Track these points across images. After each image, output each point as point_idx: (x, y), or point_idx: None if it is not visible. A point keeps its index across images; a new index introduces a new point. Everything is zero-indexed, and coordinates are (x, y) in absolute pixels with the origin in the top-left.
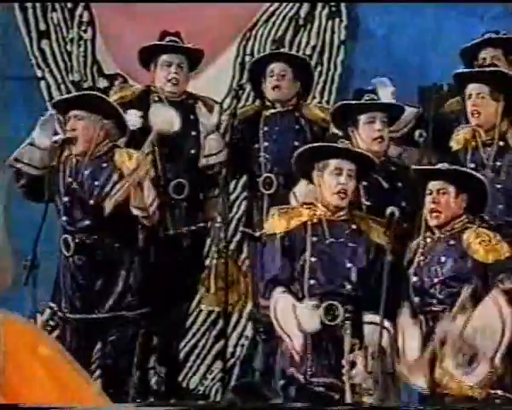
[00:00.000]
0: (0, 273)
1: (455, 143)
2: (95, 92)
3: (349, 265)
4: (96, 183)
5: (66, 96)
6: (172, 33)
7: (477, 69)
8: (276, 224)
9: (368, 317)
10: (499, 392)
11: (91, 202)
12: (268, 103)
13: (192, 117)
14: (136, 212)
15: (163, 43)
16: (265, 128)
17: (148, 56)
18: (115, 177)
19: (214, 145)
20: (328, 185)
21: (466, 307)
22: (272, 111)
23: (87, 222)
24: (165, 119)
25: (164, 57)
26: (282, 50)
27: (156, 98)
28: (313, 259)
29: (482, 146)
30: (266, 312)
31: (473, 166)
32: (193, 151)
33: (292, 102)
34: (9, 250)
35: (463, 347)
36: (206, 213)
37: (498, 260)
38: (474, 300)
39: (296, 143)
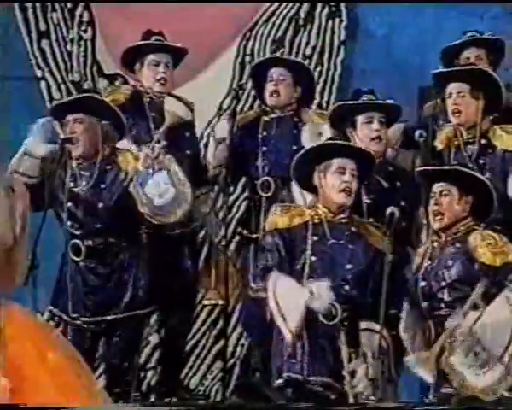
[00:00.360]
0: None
1: (439, 143)
2: (91, 94)
3: (349, 266)
4: (103, 185)
5: (63, 100)
6: (156, 33)
7: (457, 68)
8: (278, 220)
9: (364, 324)
10: (506, 394)
11: (100, 204)
12: (267, 109)
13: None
14: (144, 209)
15: (151, 42)
16: (264, 133)
17: (134, 56)
18: (121, 177)
19: (223, 156)
20: (332, 185)
21: (478, 305)
22: (271, 116)
23: (97, 225)
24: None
25: (151, 57)
26: (282, 56)
27: (148, 99)
28: (314, 258)
29: (464, 144)
30: (257, 295)
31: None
32: (188, 152)
33: (292, 106)
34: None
35: (473, 344)
36: (198, 210)
37: (506, 262)
38: (486, 300)
39: (294, 148)
